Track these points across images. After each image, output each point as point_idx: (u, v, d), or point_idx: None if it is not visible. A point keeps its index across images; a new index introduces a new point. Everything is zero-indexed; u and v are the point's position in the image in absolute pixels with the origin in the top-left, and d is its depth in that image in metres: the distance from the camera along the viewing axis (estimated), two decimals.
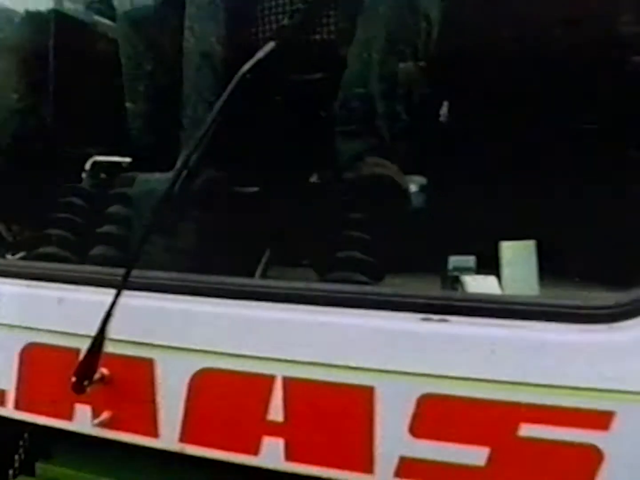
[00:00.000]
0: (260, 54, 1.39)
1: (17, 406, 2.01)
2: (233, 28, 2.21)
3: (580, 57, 2.10)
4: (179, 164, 1.93)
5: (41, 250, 2.27)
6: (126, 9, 2.50)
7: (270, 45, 1.39)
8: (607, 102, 2.29)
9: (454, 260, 1.86)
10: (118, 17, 2.53)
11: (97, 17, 2.92)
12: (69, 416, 1.93)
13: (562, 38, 2.28)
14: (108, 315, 1.67)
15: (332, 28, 2.13)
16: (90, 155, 2.30)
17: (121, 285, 1.63)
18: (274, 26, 2.21)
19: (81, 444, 1.98)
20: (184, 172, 1.56)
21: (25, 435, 2.16)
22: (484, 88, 2.17)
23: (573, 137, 2.30)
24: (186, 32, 2.13)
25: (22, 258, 2.46)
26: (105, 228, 2.12)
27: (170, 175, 1.88)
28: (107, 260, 2.07)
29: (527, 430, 1.50)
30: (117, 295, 1.65)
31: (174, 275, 1.80)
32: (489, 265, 1.84)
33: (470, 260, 1.84)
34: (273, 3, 2.25)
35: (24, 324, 1.98)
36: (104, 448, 1.91)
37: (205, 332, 1.73)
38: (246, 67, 1.40)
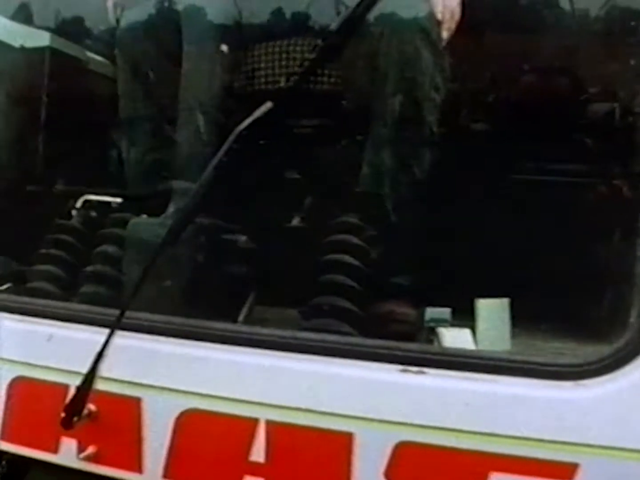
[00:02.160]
0: (257, 113, 1.46)
1: (3, 437, 2.06)
2: (230, 79, 2.30)
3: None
4: (170, 211, 2.03)
5: (29, 285, 2.31)
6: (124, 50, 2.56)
7: (268, 105, 1.46)
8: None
9: (430, 312, 1.95)
10: (116, 57, 2.59)
11: (91, 55, 2.99)
12: (54, 449, 1.98)
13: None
14: (100, 353, 1.74)
15: (330, 79, 2.23)
16: (81, 194, 2.35)
17: (114, 325, 1.70)
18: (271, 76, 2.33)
19: (62, 476, 2.04)
20: (182, 224, 1.63)
21: (3, 462, 2.20)
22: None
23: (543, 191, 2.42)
24: (182, 79, 2.20)
25: (8, 290, 2.52)
26: (95, 267, 2.17)
27: (162, 220, 1.98)
28: (96, 299, 2.13)
29: (496, 478, 1.57)
30: (110, 335, 1.72)
31: (163, 317, 1.87)
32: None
33: (445, 312, 1.94)
34: (270, 56, 2.35)
35: (13, 358, 2.03)
36: None
37: (192, 374, 1.80)
38: (243, 125, 1.47)
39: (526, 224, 2.23)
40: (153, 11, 2.56)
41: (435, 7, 2.24)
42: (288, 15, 2.49)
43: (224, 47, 2.19)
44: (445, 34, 2.27)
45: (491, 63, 2.71)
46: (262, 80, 2.40)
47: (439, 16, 2.24)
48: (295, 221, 2.26)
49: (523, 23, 2.62)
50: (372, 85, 2.22)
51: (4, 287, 2.56)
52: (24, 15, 2.99)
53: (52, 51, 2.84)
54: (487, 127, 2.70)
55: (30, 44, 2.84)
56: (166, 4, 2.48)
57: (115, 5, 2.71)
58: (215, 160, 1.46)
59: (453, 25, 2.28)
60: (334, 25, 1.42)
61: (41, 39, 2.83)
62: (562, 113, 2.57)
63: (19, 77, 2.88)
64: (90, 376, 1.77)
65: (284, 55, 2.38)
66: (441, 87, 2.27)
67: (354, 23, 1.43)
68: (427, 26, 2.23)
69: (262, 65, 2.39)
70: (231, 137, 1.46)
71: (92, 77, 2.96)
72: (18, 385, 2.03)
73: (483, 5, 2.50)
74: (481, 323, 1.87)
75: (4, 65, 2.88)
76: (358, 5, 1.42)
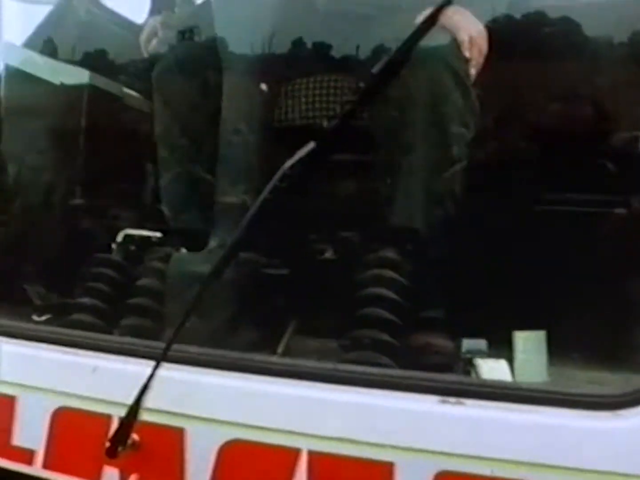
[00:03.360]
0: (301, 153, 1.51)
1: (45, 466, 2.10)
2: (269, 115, 2.35)
3: None
4: (212, 246, 2.08)
5: (71, 317, 2.36)
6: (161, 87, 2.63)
7: (311, 145, 1.50)
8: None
9: (467, 343, 1.98)
10: (153, 94, 2.66)
11: (129, 91, 3.06)
12: (96, 478, 2.03)
13: None
14: (146, 385, 1.78)
15: (364, 115, 2.27)
16: (122, 228, 2.41)
17: (160, 358, 1.74)
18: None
19: None
20: (227, 260, 1.68)
21: None
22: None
23: (578, 221, 2.45)
24: (222, 115, 2.25)
25: (48, 322, 2.58)
26: (136, 300, 2.22)
27: (204, 256, 2.03)
28: (137, 331, 2.18)
29: None
30: (156, 367, 1.76)
31: (205, 350, 1.91)
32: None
33: (482, 343, 1.97)
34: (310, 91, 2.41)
35: (57, 389, 2.08)
36: None
37: (234, 405, 1.84)
38: (287, 164, 1.51)
39: (560, 254, 2.26)
40: (190, 49, 2.64)
41: (463, 44, 2.29)
42: (324, 51, 2.53)
43: (264, 86, 2.25)
44: (473, 70, 2.32)
45: (518, 95, 2.75)
46: (301, 115, 2.47)
47: (467, 53, 2.29)
48: (330, 253, 2.30)
49: (548, 54, 2.65)
50: (403, 121, 2.28)
51: (44, 318, 2.62)
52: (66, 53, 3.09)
53: (90, 88, 2.90)
54: (518, 158, 2.72)
55: (69, 81, 2.92)
56: (203, 42, 2.55)
57: (151, 42, 2.79)
58: (260, 199, 1.51)
59: (480, 61, 2.33)
60: (376, 68, 1.46)
61: (81, 76, 2.90)
62: (593, 143, 2.60)
63: (58, 113, 2.96)
64: (136, 407, 1.81)
65: (324, 91, 2.45)
66: (470, 123, 2.31)
67: (397, 65, 1.47)
68: (455, 64, 2.28)
69: (302, 100, 2.46)
70: (276, 177, 1.50)
71: (129, 112, 3.03)
72: (61, 415, 2.07)
73: (508, 39, 2.54)
74: (519, 355, 1.90)
75: (44, 101, 2.96)
76: (401, 47, 1.46)
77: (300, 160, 1.50)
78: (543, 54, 2.64)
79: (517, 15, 2.69)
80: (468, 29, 2.28)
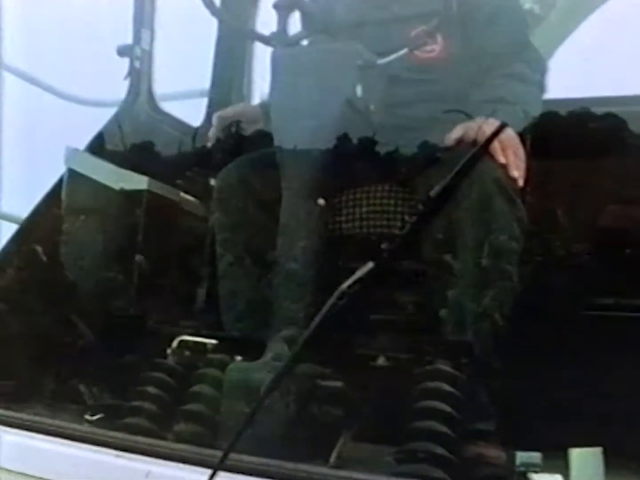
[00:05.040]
0: (359, 273, 1.54)
1: None
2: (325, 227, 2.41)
3: None
4: (269, 356, 2.11)
5: (125, 420, 2.39)
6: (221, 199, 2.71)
7: (369, 265, 1.54)
8: None
9: (521, 456, 1.97)
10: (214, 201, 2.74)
11: (186, 196, 3.15)
12: None
13: None
14: None
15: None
16: (178, 334, 2.45)
17: (217, 466, 1.76)
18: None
19: None
20: (286, 372, 1.71)
21: None
22: None
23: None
24: (281, 227, 2.31)
25: (100, 421, 2.61)
26: (191, 406, 2.24)
27: (261, 365, 2.06)
28: (191, 438, 2.19)
29: None
30: (213, 475, 1.77)
31: (259, 459, 1.92)
32: None
33: (536, 457, 1.96)
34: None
35: None
36: None
37: None
38: (345, 284, 1.54)
39: (617, 364, 2.25)
40: (249, 163, 2.73)
41: (495, 151, 2.32)
42: (378, 161, 2.60)
43: (321, 201, 2.31)
44: (515, 173, 2.34)
45: (565, 200, 2.76)
46: (355, 225, 2.53)
47: (501, 159, 2.32)
48: (382, 361, 2.31)
49: (594, 155, 2.67)
50: (450, 237, 2.32)
51: (95, 417, 2.65)
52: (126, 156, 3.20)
53: (149, 194, 2.99)
54: (571, 263, 2.72)
55: (129, 187, 3.01)
56: (263, 157, 2.64)
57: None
58: (318, 318, 1.54)
59: (520, 163, 2.36)
60: (434, 192, 1.50)
61: (139, 182, 2.99)
62: None
63: (117, 217, 3.04)
64: None
65: (377, 201, 2.52)
66: (518, 233, 2.34)
67: (454, 189, 1.51)
68: (494, 173, 2.31)
69: (357, 210, 2.53)
70: (334, 296, 1.53)
71: (186, 217, 3.12)
72: None
73: (553, 140, 2.56)
74: (574, 472, 1.89)
75: (103, 205, 3.06)
76: (457, 172, 1.50)
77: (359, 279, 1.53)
78: (591, 154, 2.65)
79: (562, 115, 2.70)
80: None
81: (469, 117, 2.46)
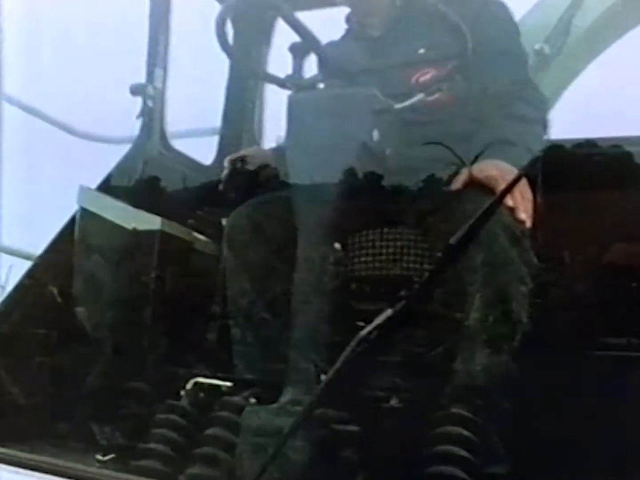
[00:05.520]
0: (378, 320, 1.54)
1: None
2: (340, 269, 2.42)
3: None
4: (285, 400, 2.11)
5: (139, 462, 2.38)
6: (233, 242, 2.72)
7: (388, 312, 1.54)
8: None
9: None
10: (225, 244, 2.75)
11: (197, 235, 3.16)
12: None
13: None
14: None
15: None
16: (192, 376, 2.45)
17: None
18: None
19: None
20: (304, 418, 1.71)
21: None
22: None
23: None
24: (296, 269, 2.31)
25: (112, 462, 2.60)
26: (205, 449, 2.24)
27: (277, 410, 2.06)
28: None
29: None
30: None
31: None
32: None
33: None
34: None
35: None
36: None
37: None
38: (364, 331, 1.55)
39: (633, 405, 2.23)
40: (260, 206, 2.74)
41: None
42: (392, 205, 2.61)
43: (337, 245, 2.32)
44: (523, 215, 2.34)
45: (573, 239, 2.75)
46: (367, 267, 2.54)
47: (509, 202, 2.32)
48: (395, 401, 2.31)
49: (603, 194, 2.66)
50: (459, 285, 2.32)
51: (107, 457, 2.65)
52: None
53: (162, 234, 3.00)
54: (581, 303, 2.71)
55: (141, 226, 3.02)
56: (274, 200, 2.65)
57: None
58: (339, 363, 1.54)
59: (527, 204, 2.35)
60: (453, 239, 1.50)
61: (152, 223, 3.00)
62: None
63: (129, 257, 3.05)
64: None
65: (390, 243, 2.53)
66: (528, 279, 2.33)
67: (472, 236, 1.51)
68: (505, 219, 2.32)
69: (370, 251, 2.54)
70: (352, 344, 1.53)
71: (199, 257, 3.12)
72: None
73: (556, 179, 2.56)
74: None
75: (116, 245, 3.07)
76: (474, 222, 1.51)
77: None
78: (597, 191, 2.65)
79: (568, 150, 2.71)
80: (500, 176, 2.31)
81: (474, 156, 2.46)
